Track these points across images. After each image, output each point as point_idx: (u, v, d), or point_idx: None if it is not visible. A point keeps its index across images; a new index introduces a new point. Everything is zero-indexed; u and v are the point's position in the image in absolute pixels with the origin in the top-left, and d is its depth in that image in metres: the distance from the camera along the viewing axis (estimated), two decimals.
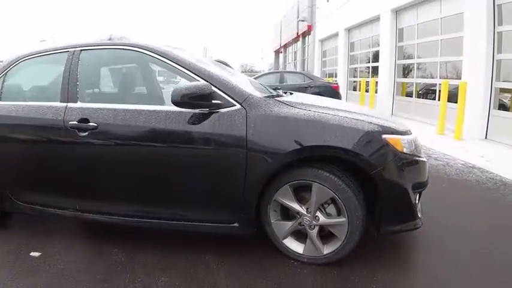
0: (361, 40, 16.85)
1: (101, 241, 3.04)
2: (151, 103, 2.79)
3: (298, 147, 2.37)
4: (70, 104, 2.77)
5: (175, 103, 2.42)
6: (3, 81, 3.16)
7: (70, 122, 2.69)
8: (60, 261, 2.74)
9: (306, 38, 28.19)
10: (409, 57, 12.13)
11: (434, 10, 9.98)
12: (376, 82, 13.71)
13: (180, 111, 2.51)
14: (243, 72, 46.03)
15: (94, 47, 3.03)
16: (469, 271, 2.57)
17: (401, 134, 2.57)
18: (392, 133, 2.51)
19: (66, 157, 2.78)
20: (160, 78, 3.41)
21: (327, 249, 2.55)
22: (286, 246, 2.63)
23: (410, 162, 2.54)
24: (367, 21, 15.11)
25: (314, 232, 2.53)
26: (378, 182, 2.41)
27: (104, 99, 2.97)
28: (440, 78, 10.09)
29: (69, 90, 2.81)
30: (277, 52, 46.12)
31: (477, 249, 2.92)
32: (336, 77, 20.34)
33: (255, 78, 10.56)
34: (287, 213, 2.63)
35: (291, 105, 2.56)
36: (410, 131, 2.74)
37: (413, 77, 11.85)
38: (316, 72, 24.13)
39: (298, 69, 30.43)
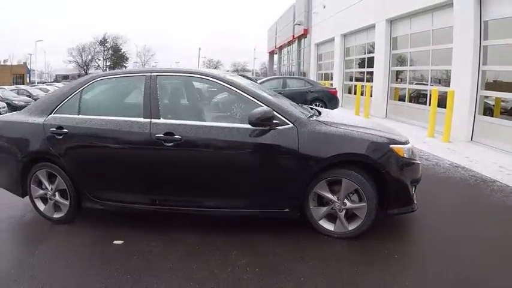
0: (357, 46, 17.69)
1: (172, 228, 3.63)
2: (223, 121, 3.60)
3: (334, 154, 3.26)
4: (154, 120, 3.39)
5: (251, 123, 3.21)
6: (80, 98, 3.73)
7: (157, 135, 3.33)
8: (143, 246, 3.28)
9: (302, 41, 29.02)
10: (403, 64, 12.97)
11: (427, 22, 10.83)
12: (371, 86, 14.54)
13: (248, 128, 3.27)
14: (234, 71, 46.17)
15: (169, 73, 3.83)
16: (452, 239, 3.52)
17: (402, 144, 3.49)
18: (396, 144, 3.45)
19: (151, 162, 3.41)
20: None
21: (351, 226, 3.40)
22: (321, 226, 3.45)
23: (408, 164, 3.47)
24: (363, 29, 15.91)
25: (342, 214, 3.38)
26: (387, 178, 3.31)
27: (182, 117, 3.59)
28: (431, 84, 10.96)
29: (151, 109, 3.43)
30: (271, 53, 46.91)
31: (458, 226, 3.84)
32: (331, 79, 21.18)
33: (260, 83, 11.31)
34: (321, 201, 3.45)
35: (327, 124, 3.45)
36: (408, 140, 3.66)
37: (406, 83, 12.69)
38: (312, 75, 25.01)
39: (294, 71, 31.29)
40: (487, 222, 4.03)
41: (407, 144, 3.55)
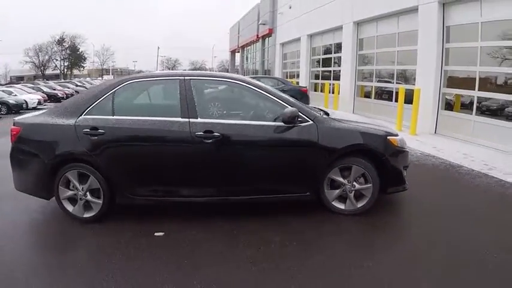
0: (323, 46, 18.59)
1: (204, 218, 3.96)
2: (255, 120, 3.97)
3: (346, 145, 3.92)
4: (192, 120, 3.72)
5: (284, 121, 3.79)
6: (113, 100, 3.89)
7: (197, 133, 3.68)
8: (186, 235, 3.54)
9: (266, 40, 29.65)
10: (369, 64, 13.93)
11: (392, 25, 11.79)
12: (338, 85, 15.44)
13: (277, 125, 3.83)
14: (192, 69, 45.56)
15: (202, 77, 4.20)
16: (433, 210, 4.41)
17: (395, 136, 4.24)
18: (391, 135, 4.20)
19: (191, 157, 3.76)
20: None
21: (359, 204, 4.10)
22: (334, 206, 4.09)
23: (400, 151, 4.24)
24: (330, 30, 16.77)
25: (352, 195, 4.07)
26: (386, 163, 4.05)
27: (218, 117, 3.90)
28: (396, 83, 11.94)
29: (188, 109, 3.75)
30: (233, 52, 47.30)
31: (438, 201, 4.77)
32: (297, 78, 22.01)
33: None
34: (333, 185, 4.07)
35: (339, 121, 4.11)
36: (398, 133, 4.41)
37: (372, 81, 13.65)
38: (277, 73, 25.71)
39: (258, 69, 31.92)
40: (459, 197, 4.95)
41: (398, 136, 4.32)
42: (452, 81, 9.47)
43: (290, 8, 22.10)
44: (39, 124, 3.90)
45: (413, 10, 10.16)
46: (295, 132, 3.83)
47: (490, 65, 8.18)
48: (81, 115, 3.81)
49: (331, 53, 17.51)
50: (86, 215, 3.89)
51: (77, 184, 3.81)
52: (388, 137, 4.12)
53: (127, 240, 3.51)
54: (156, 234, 3.62)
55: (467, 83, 8.91)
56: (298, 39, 21.27)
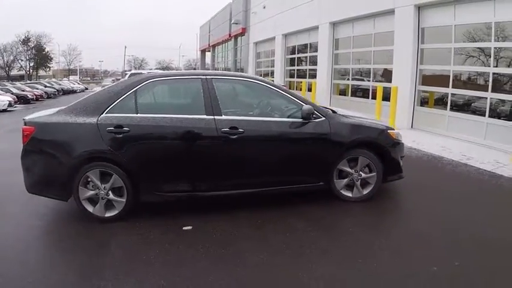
0: (298, 45, 19.11)
1: (229, 209, 4.13)
2: (274, 116, 4.35)
3: (354, 138, 4.35)
4: (216, 117, 3.92)
5: (303, 117, 4.15)
6: (136, 98, 3.94)
7: (222, 129, 3.88)
8: (213, 226, 3.71)
9: (239, 39, 29.90)
10: (345, 63, 14.52)
11: (369, 26, 12.40)
12: (315, 83, 15.98)
13: (294, 121, 4.18)
14: (158, 69, 44.74)
15: (222, 76, 4.46)
16: (424, 193, 4.98)
17: (393, 130, 4.72)
18: (390, 129, 4.70)
19: (217, 152, 3.96)
20: None
21: (364, 191, 4.52)
22: (342, 194, 4.48)
23: (398, 143, 4.70)
24: (305, 30, 17.28)
25: (358, 183, 4.49)
26: (386, 154, 4.50)
27: (240, 114, 4.19)
28: (373, 81, 12.58)
29: (213, 107, 3.94)
30: (203, 51, 47.18)
31: (427, 186, 5.32)
32: (271, 76, 22.43)
33: None
34: (341, 175, 4.46)
35: (346, 117, 4.57)
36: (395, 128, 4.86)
37: (349, 80, 14.25)
38: (251, 72, 25.97)
39: (230, 68, 32.11)
40: (447, 183, 5.55)
41: (395, 129, 4.79)
42: (427, 80, 10.15)
43: (264, 8, 22.49)
44: (57, 123, 3.82)
45: (390, 12, 10.77)
46: (310, 127, 4.19)
47: (462, 64, 8.88)
48: (102, 113, 3.80)
49: (307, 52, 18.06)
50: (108, 215, 3.86)
51: (99, 183, 3.77)
52: (387, 131, 4.60)
53: (157, 236, 3.56)
54: (184, 228, 3.73)
55: (441, 81, 9.60)
56: (272, 39, 21.67)
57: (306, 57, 18.27)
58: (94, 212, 3.85)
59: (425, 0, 9.33)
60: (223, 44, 35.64)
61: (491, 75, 7.95)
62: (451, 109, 9.21)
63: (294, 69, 19.94)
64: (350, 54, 13.95)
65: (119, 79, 58.41)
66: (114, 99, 3.89)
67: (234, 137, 3.93)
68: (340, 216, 4.16)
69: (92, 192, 3.81)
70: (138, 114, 3.88)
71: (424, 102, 10.41)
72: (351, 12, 12.90)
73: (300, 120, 4.17)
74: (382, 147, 4.47)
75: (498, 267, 3.01)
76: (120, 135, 3.75)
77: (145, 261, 3.11)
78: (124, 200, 3.84)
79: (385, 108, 10.34)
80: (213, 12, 37.12)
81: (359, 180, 4.46)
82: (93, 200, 3.84)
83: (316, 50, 16.30)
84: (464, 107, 9.02)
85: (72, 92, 36.34)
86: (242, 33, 27.83)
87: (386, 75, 11.80)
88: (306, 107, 4.15)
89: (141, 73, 18.49)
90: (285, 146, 4.22)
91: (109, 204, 3.87)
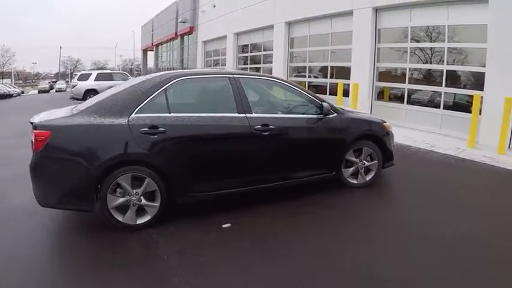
0: (251, 44, 19.52)
1: (254, 205, 4.21)
2: (295, 113, 4.59)
3: (360, 131, 4.85)
4: (248, 115, 4.03)
5: (324, 114, 4.53)
6: (166, 97, 3.80)
7: (255, 127, 4.02)
8: (250, 223, 3.78)
9: (186, 38, 29.67)
10: (301, 61, 15.18)
11: (326, 26, 13.11)
12: None
13: (313, 117, 4.54)
14: (93, 69, 42.75)
15: (248, 76, 4.55)
16: (405, 176, 5.70)
17: (386, 123, 5.25)
18: (384, 122, 5.24)
19: (250, 149, 4.06)
20: None
21: (367, 177, 5.05)
22: (348, 181, 4.95)
23: (390, 134, 5.27)
24: (259, 29, 17.72)
25: (362, 170, 4.99)
26: (383, 144, 5.04)
27: (268, 111, 4.47)
28: (330, 78, 13.33)
29: (243, 105, 4.05)
30: (145, 51, 46.10)
31: (409, 171, 5.96)
32: None
33: None
34: (347, 164, 4.91)
35: (351, 112, 5.06)
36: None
37: (305, 77, 14.91)
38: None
39: (177, 68, 31.80)
40: (423, 167, 6.32)
41: (386, 122, 5.34)
42: (384, 76, 11.04)
43: (214, 6, 22.61)
44: (80, 126, 3.46)
45: (348, 14, 11.52)
46: (326, 122, 4.58)
47: (417, 62, 9.83)
48: (131, 114, 3.59)
49: (261, 51, 18.52)
50: (139, 222, 3.64)
51: (130, 189, 3.55)
52: (383, 123, 5.17)
53: (201, 237, 3.51)
54: (223, 226, 3.74)
55: (397, 77, 10.53)
56: (223, 37, 21.84)
57: (260, 55, 18.72)
58: (124, 220, 3.59)
59: (383, 3, 10.13)
60: (169, 43, 35.10)
61: (444, 72, 8.92)
62: (408, 103, 10.13)
63: (247, 68, 20.27)
64: (306, 52, 14.61)
65: (55, 81, 55.42)
66: (143, 99, 3.69)
67: (266, 133, 4.09)
68: (350, 201, 4.59)
69: (122, 200, 3.55)
70: (171, 114, 3.74)
71: (380, 96, 11.29)
72: (308, 13, 13.53)
73: (319, 116, 4.54)
74: (380, 139, 5.01)
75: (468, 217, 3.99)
76: (155, 136, 3.59)
77: (207, 263, 3.07)
78: (157, 204, 3.67)
79: (344, 103, 11.08)
80: (152, 11, 36.49)
81: (363, 168, 4.96)
82: (121, 208, 3.59)
83: (270, 49, 16.81)
84: (420, 100, 9.98)
85: (8, 96, 33.18)
86: (190, 32, 27.66)
87: (344, 72, 12.57)
88: (325, 104, 4.55)
89: (91, 74, 18.04)
90: (307, 140, 4.51)
91: (140, 211, 3.66)
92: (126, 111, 3.60)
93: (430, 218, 4.03)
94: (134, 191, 3.57)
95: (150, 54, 45.02)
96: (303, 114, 4.59)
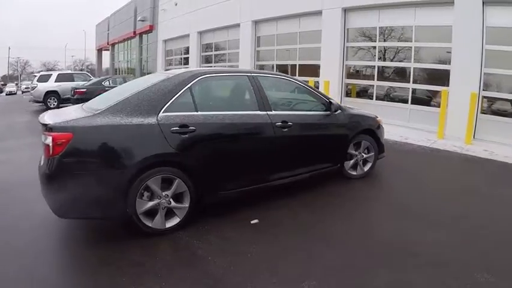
0: (215, 42, 19.52)
1: (275, 199, 4.30)
2: (307, 110, 4.78)
3: (361, 126, 5.17)
4: (269, 112, 4.12)
5: (335, 111, 4.79)
6: (192, 95, 3.73)
7: (276, 124, 4.12)
8: (276, 218, 3.86)
9: (145, 37, 29.07)
10: (269, 59, 15.43)
11: (294, 25, 13.43)
12: None
13: (323, 113, 4.77)
14: (41, 70, 41.32)
15: (265, 74, 4.64)
16: (394, 166, 6.02)
17: (378, 117, 5.56)
18: (377, 117, 5.54)
19: (272, 145, 4.14)
20: None
21: (365, 169, 5.37)
22: (349, 173, 5.24)
23: (381, 127, 5.58)
24: (224, 27, 17.78)
25: (361, 163, 5.31)
26: (377, 137, 5.39)
27: (285, 108, 4.63)
28: (298, 76, 13.65)
29: (263, 103, 4.13)
30: (100, 50, 44.63)
31: (394, 160, 6.31)
32: None
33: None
34: (348, 157, 5.16)
35: (351, 109, 5.36)
36: None
37: None
38: (160, 71, 25.71)
39: (135, 67, 31.16)
40: (404, 157, 6.79)
41: (378, 117, 5.70)
42: (353, 74, 11.53)
43: (176, 4, 22.35)
44: (105, 126, 3.21)
45: (316, 13, 11.89)
46: (334, 118, 4.84)
47: (385, 60, 10.36)
48: (159, 112, 3.45)
49: (226, 49, 18.57)
50: (168, 225, 3.49)
51: (159, 191, 3.39)
52: (377, 118, 5.50)
53: (235, 235, 3.49)
54: (252, 222, 3.77)
55: (366, 74, 11.04)
56: (185, 36, 21.64)
57: (224, 54, 18.77)
58: (154, 225, 3.41)
59: (352, 4, 10.58)
60: (126, 42, 34.21)
61: (412, 69, 9.48)
62: (376, 99, 10.65)
63: (211, 67, 20.27)
64: (274, 51, 14.87)
65: (4, 84, 52.40)
66: (169, 97, 3.56)
67: (285, 130, 4.21)
68: (354, 190, 4.91)
69: (152, 203, 3.38)
70: (199, 112, 3.69)
71: (348, 93, 11.78)
72: (276, 12, 13.80)
73: (327, 112, 4.78)
74: (375, 132, 5.34)
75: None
76: (186, 135, 3.49)
77: (255, 259, 3.08)
78: (187, 205, 3.56)
79: None
80: (105, 11, 35.37)
81: (361, 160, 5.29)
82: (149, 213, 3.41)
83: (236, 47, 16.92)
84: (388, 96, 10.53)
85: None
86: (150, 31, 27.12)
87: (312, 70, 12.93)
88: (334, 102, 4.84)
89: (51, 75, 17.29)
90: (318, 136, 4.74)
91: (167, 214, 3.50)
92: (153, 110, 3.44)
93: (421, 198, 4.58)
94: (164, 193, 3.42)
95: (106, 54, 43.60)
96: (314, 111, 4.79)
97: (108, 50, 40.75)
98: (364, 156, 5.30)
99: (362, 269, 2.92)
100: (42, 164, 3.30)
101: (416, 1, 9.05)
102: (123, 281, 2.74)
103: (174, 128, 3.45)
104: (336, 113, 4.86)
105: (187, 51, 22.09)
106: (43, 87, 15.80)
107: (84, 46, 45.40)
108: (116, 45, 37.79)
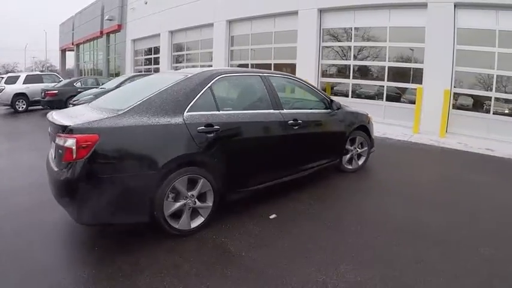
0: (187, 42, 19.40)
1: (290, 193, 4.47)
2: (312, 108, 4.92)
3: (357, 122, 5.40)
4: (281, 111, 4.22)
5: (338, 109, 5.04)
6: (213, 94, 3.72)
7: (288, 122, 4.23)
8: (290, 212, 3.97)
9: (112, 36, 28.43)
10: (243, 59, 15.52)
11: (268, 25, 13.60)
12: None
13: (327, 111, 4.96)
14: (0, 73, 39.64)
15: (274, 74, 4.63)
16: (383, 159, 6.27)
17: (368, 114, 5.80)
18: (368, 114, 5.76)
19: (286, 142, 4.26)
20: None
21: (359, 162, 5.63)
22: (345, 166, 5.46)
23: (371, 123, 5.84)
24: (196, 27, 17.72)
25: (356, 157, 5.55)
26: (369, 133, 5.65)
27: (293, 107, 4.69)
28: None
29: (276, 102, 4.23)
30: (64, 51, 43.26)
31: (380, 154, 6.51)
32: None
33: (125, 81, 11.90)
34: (345, 152, 5.38)
35: (348, 107, 5.51)
36: None
37: None
38: (129, 71, 25.20)
39: (102, 68, 30.46)
40: (388, 151, 7.07)
41: (369, 114, 5.95)
42: (328, 73, 11.83)
43: (146, 3, 22.00)
44: (132, 127, 3.08)
45: (292, 13, 12.10)
46: (335, 116, 5.06)
47: (362, 59, 10.72)
48: (184, 112, 3.40)
49: (199, 49, 18.50)
50: (193, 225, 3.44)
51: (186, 192, 3.34)
52: (367, 115, 5.76)
53: (256, 231, 3.53)
54: (270, 217, 3.86)
55: (342, 73, 11.37)
56: (156, 36, 21.37)
57: (197, 53, 18.70)
58: (180, 226, 3.34)
59: (328, 5, 10.86)
60: (92, 42, 33.32)
61: (386, 68, 9.85)
62: (352, 96, 10.99)
63: (183, 66, 20.10)
64: (248, 51, 14.99)
65: None
66: (192, 96, 3.53)
67: (296, 127, 4.34)
68: (352, 181, 5.14)
69: (179, 204, 3.31)
70: (221, 111, 3.69)
71: (324, 91, 12.07)
72: (251, 12, 13.91)
73: (329, 110, 5.00)
74: (367, 128, 5.62)
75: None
76: (211, 135, 3.48)
77: (286, 251, 3.15)
78: (210, 204, 3.53)
79: None
80: (69, 10, 34.31)
81: (356, 155, 5.54)
82: (175, 214, 3.34)
83: (209, 47, 16.90)
84: (363, 94, 10.89)
85: None
86: (118, 30, 26.54)
87: (288, 69, 13.14)
88: (335, 100, 5.12)
89: (19, 76, 16.59)
90: (323, 133, 4.94)
91: (193, 214, 3.47)
92: (178, 110, 3.38)
93: (417, 187, 4.83)
94: (189, 194, 3.37)
95: (70, 55, 42.27)
96: (318, 109, 4.96)
97: (73, 50, 39.52)
98: (359, 151, 5.57)
99: (384, 248, 3.21)
100: (57, 169, 3.08)
101: (391, 3, 9.42)
102: (164, 285, 2.66)
103: (201, 128, 3.43)
104: (337, 111, 5.08)
105: (157, 50, 21.83)
106: (11, 89, 15.03)
107: (45, 47, 43.75)
108: (81, 46, 36.69)
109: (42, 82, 15.87)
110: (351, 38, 10.68)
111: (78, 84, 14.69)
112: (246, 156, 3.89)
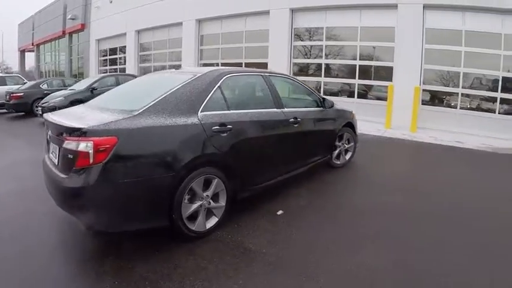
0: (155, 41, 19.05)
1: (291, 189, 4.56)
2: (307, 106, 4.99)
3: (345, 120, 5.57)
4: (283, 109, 4.31)
5: (329, 107, 5.17)
6: (222, 93, 3.71)
7: (290, 120, 4.33)
8: (296, 209, 4.01)
9: (75, 36, 27.56)
10: (213, 58, 15.40)
11: (239, 24, 13.55)
12: None
13: (321, 109, 5.08)
14: None
15: (273, 74, 4.68)
16: (373, 155, 6.48)
17: (353, 111, 5.92)
18: (352, 112, 5.87)
19: (289, 140, 4.36)
20: None
21: (347, 157, 5.80)
22: (334, 162, 5.58)
23: (355, 120, 5.96)
24: (164, 26, 17.42)
25: (343, 153, 5.72)
26: (353, 127, 5.83)
27: (292, 105, 4.67)
28: None
29: (278, 101, 4.32)
30: (23, 52, 41.54)
31: (368, 150, 6.65)
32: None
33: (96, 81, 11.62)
34: (334, 148, 5.50)
35: (338, 106, 5.57)
36: None
37: None
38: (94, 71, 24.51)
39: (64, 69, 29.49)
40: (378, 147, 7.33)
41: (353, 111, 6.07)
42: (300, 71, 11.93)
43: (111, 2, 21.46)
44: (151, 128, 2.97)
45: (264, 13, 12.12)
46: (328, 114, 5.20)
47: (333, 58, 10.87)
48: (197, 112, 3.35)
49: (167, 48, 18.17)
50: (208, 226, 3.37)
51: (201, 193, 3.26)
52: (352, 112, 5.89)
53: (269, 228, 3.56)
54: (278, 213, 3.92)
55: (313, 72, 11.50)
56: (122, 35, 20.86)
57: (165, 53, 18.37)
58: (196, 228, 3.25)
59: (300, 5, 10.96)
60: (54, 42, 32.12)
61: (357, 67, 10.04)
62: (324, 94, 11.10)
63: (151, 66, 19.70)
64: (219, 50, 14.89)
65: None
66: (204, 96, 3.49)
67: (296, 125, 4.44)
68: (340, 176, 5.34)
69: (195, 206, 3.23)
70: (231, 111, 3.69)
71: None
72: (221, 11, 13.82)
73: (322, 108, 5.13)
74: (353, 125, 5.80)
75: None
76: (225, 134, 3.47)
77: (304, 244, 3.22)
78: (224, 204, 3.50)
79: None
80: (28, 9, 33.02)
81: (344, 151, 5.71)
82: (191, 215, 3.25)
83: (178, 46, 16.67)
84: (335, 91, 11.05)
85: None
86: (81, 30, 25.71)
87: (260, 68, 13.10)
88: (328, 98, 5.28)
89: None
90: (318, 130, 5.04)
91: (208, 214, 3.42)
92: (193, 110, 3.32)
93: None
94: (205, 194, 3.30)
95: (30, 56, 40.61)
96: (313, 107, 5.06)
97: (33, 51, 37.99)
98: (346, 146, 5.74)
99: (394, 234, 3.42)
100: (65, 175, 2.85)
101: (362, 4, 9.63)
102: None
103: (215, 127, 3.40)
104: (329, 109, 5.19)
105: (123, 50, 21.32)
106: None
107: (1, 48, 41.64)
108: (42, 46, 35.32)
109: (6, 84, 15.16)
110: (323, 38, 10.79)
111: (44, 86, 14.04)
112: (255, 154, 3.90)
